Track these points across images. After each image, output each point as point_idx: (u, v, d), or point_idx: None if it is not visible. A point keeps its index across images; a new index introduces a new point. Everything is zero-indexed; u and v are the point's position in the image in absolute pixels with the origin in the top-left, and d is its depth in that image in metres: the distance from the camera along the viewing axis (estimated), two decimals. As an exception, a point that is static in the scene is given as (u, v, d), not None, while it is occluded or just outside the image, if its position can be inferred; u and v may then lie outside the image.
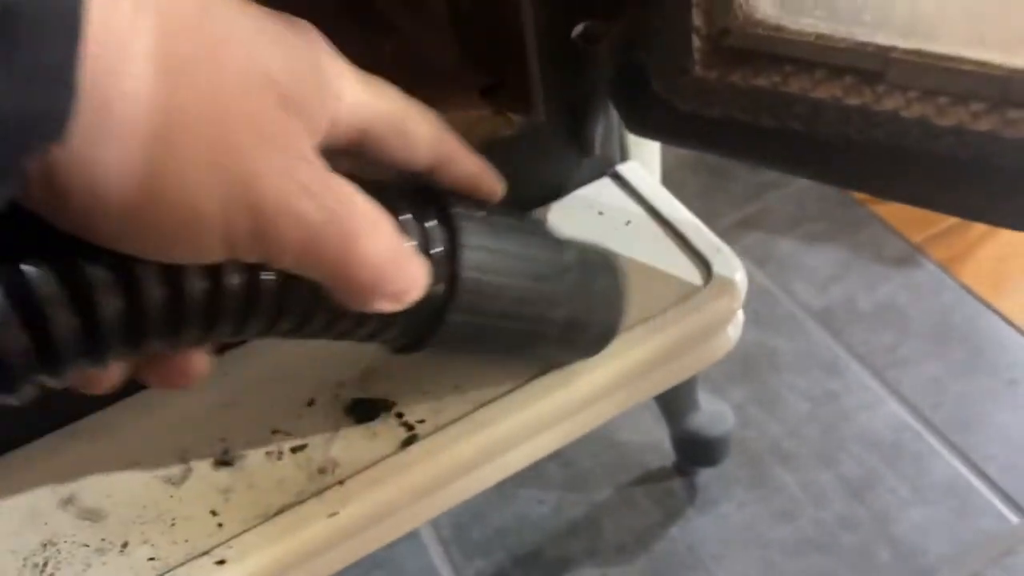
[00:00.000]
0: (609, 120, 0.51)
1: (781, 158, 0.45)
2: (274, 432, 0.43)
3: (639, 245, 0.49)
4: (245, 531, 0.40)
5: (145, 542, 0.40)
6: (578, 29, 0.45)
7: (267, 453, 0.42)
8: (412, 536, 0.78)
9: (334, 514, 0.40)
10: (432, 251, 0.32)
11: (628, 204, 0.51)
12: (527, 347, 0.39)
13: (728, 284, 0.46)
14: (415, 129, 0.31)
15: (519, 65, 0.45)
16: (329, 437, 0.43)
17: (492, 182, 0.36)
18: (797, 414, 0.84)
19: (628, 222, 0.50)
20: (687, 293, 0.46)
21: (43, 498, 0.42)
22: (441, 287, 0.33)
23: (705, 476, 0.80)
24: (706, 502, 0.79)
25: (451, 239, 0.32)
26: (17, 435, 0.43)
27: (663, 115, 0.46)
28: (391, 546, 0.67)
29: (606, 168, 0.53)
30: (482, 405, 0.43)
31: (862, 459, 0.80)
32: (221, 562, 0.39)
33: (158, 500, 0.41)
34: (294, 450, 0.42)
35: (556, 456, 0.84)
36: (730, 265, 0.46)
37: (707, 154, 0.49)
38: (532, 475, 0.83)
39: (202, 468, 0.43)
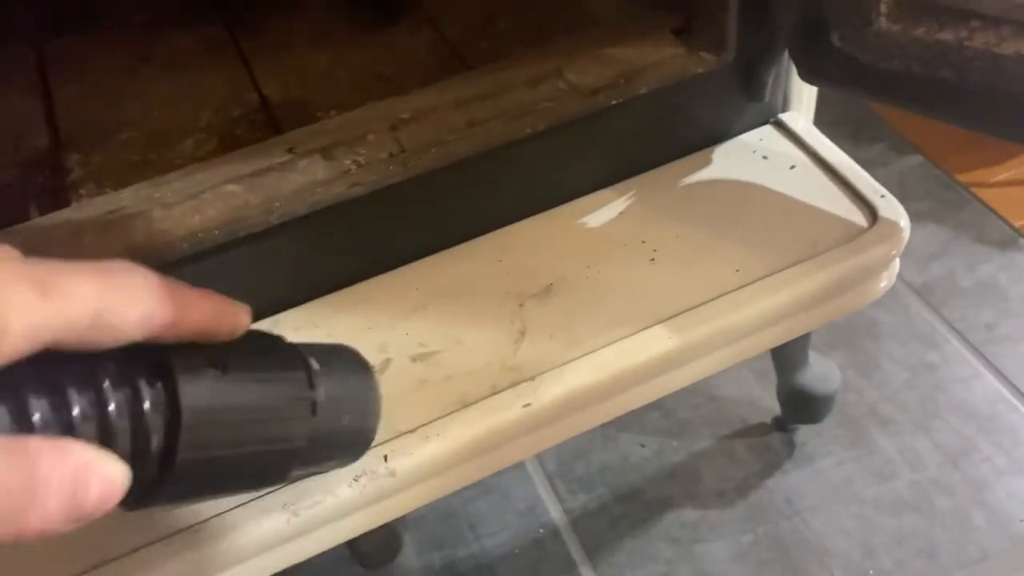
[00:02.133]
0: (779, 68, 0.53)
1: (955, 110, 0.47)
2: (465, 333, 0.47)
3: (804, 188, 0.52)
4: (446, 415, 0.44)
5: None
6: (771, -24, 0.48)
7: (459, 350, 0.46)
8: (518, 468, 0.82)
9: (528, 405, 0.44)
10: (145, 423, 0.28)
11: (791, 150, 0.54)
12: (271, 477, 0.36)
13: (893, 227, 0.49)
14: (120, 317, 0.26)
15: (712, 6, 0.47)
16: (517, 339, 0.47)
17: (232, 320, 0.31)
18: (895, 382, 0.87)
19: (792, 167, 0.53)
20: (853, 234, 0.49)
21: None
22: (154, 469, 0.29)
23: (803, 433, 0.83)
24: (804, 457, 0.82)
25: (169, 404, 0.29)
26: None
27: (838, 65, 0.48)
28: (499, 475, 0.71)
29: (768, 116, 0.56)
30: (658, 322, 0.46)
31: (958, 428, 0.83)
32: (425, 438, 0.43)
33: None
34: (485, 348, 0.46)
35: (656, 406, 0.87)
36: (895, 210, 0.49)
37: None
38: (633, 421, 0.86)
39: (401, 360, 0.47)
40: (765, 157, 0.54)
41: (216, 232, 0.42)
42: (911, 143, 1.09)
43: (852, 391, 0.87)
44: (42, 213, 0.62)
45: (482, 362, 0.46)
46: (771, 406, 0.83)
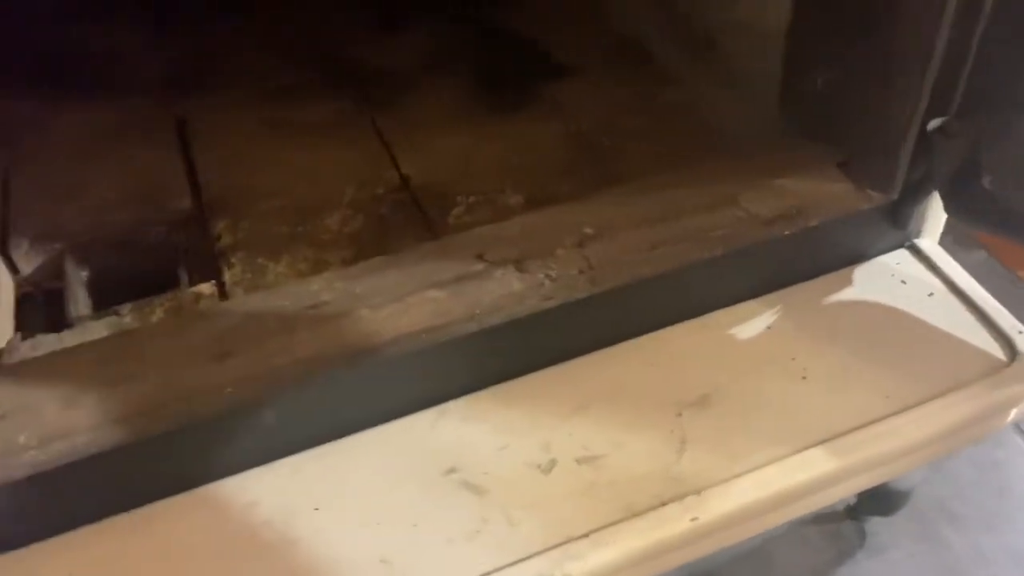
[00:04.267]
0: (924, 201, 0.56)
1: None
2: (626, 438, 0.49)
3: (943, 317, 0.55)
4: (616, 523, 0.46)
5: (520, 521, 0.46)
6: (935, 123, 0.51)
7: (622, 455, 0.48)
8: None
9: (695, 519, 0.46)
10: None
11: (928, 276, 0.57)
12: None
13: (1032, 365, 0.51)
14: None
15: (879, 147, 0.50)
16: (678, 449, 0.49)
17: None
18: (964, 478, 0.89)
19: (930, 294, 0.56)
20: (994, 368, 0.52)
21: (428, 468, 0.48)
22: None
23: (874, 523, 0.85)
24: (875, 548, 0.84)
25: None
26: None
27: (988, 207, 0.51)
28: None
29: (904, 240, 0.58)
30: (817, 444, 0.49)
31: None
32: (597, 544, 0.45)
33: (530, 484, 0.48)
34: (647, 455, 0.48)
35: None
36: (1035, 348, 0.52)
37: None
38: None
39: (566, 462, 0.49)
40: (903, 282, 0.57)
41: (423, 337, 0.44)
42: (974, 237, 1.12)
43: (922, 485, 0.89)
44: (191, 277, 0.64)
45: (645, 469, 0.48)
46: (844, 495, 0.85)
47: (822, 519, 0.87)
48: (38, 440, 0.41)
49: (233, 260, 0.63)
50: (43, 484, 0.43)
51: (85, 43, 0.82)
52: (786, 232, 0.49)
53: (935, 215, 0.59)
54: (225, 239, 0.65)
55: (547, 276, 0.47)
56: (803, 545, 0.86)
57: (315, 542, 0.46)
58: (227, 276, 0.62)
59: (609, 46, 0.80)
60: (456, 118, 0.74)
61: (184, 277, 0.64)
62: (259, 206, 0.67)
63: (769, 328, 0.55)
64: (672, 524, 0.46)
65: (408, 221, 0.65)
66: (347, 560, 0.46)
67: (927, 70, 0.46)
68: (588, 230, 0.49)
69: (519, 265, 0.47)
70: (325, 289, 0.48)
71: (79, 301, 0.64)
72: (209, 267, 0.64)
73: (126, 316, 0.60)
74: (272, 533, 0.47)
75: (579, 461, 0.49)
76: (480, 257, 0.48)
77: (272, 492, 0.49)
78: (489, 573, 0.45)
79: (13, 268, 0.66)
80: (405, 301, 0.45)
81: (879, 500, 0.82)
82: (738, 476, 0.48)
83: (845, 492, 0.51)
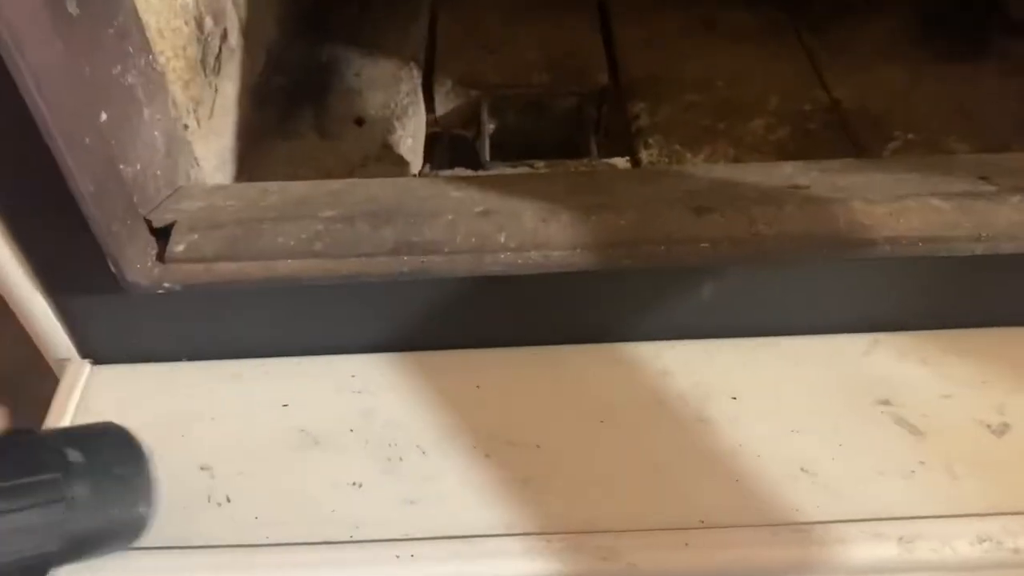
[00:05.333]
0: None
1: None
2: None
3: None
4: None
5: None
6: None
7: None
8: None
9: None
10: None
11: None
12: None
13: None
14: None
15: None
16: None
17: None
18: None
19: None
20: None
21: (859, 392, 0.44)
22: None
23: None
24: None
25: None
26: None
27: None
28: None
29: None
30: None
31: None
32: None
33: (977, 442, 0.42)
34: None
35: None
36: None
37: None
38: None
39: (1022, 429, 0.43)
40: None
41: (921, 245, 0.40)
42: None
43: None
44: (600, 151, 0.63)
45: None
46: None
47: None
48: (516, 244, 0.40)
49: (650, 141, 0.61)
50: (500, 289, 0.43)
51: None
52: None
53: None
54: (643, 120, 0.63)
55: (1072, 215, 0.40)
56: None
57: (731, 429, 0.44)
58: (643, 155, 0.60)
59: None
60: (893, 54, 0.68)
61: (595, 149, 0.63)
62: (680, 96, 0.65)
63: None
64: None
65: (838, 142, 0.60)
66: (766, 456, 0.42)
67: None
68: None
69: (1041, 194, 0.41)
70: (800, 174, 0.45)
71: (486, 150, 0.65)
72: (623, 144, 0.62)
73: (541, 168, 0.60)
74: (685, 407, 0.45)
75: (1039, 432, 0.43)
76: (985, 179, 0.43)
77: (687, 369, 0.46)
78: (926, 517, 0.40)
79: (430, 107, 0.67)
80: (903, 203, 0.41)
81: None
82: None
83: None
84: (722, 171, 0.46)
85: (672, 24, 0.72)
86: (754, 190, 0.43)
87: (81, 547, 0.37)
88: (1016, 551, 0.39)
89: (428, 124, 0.67)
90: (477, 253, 0.40)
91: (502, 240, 0.40)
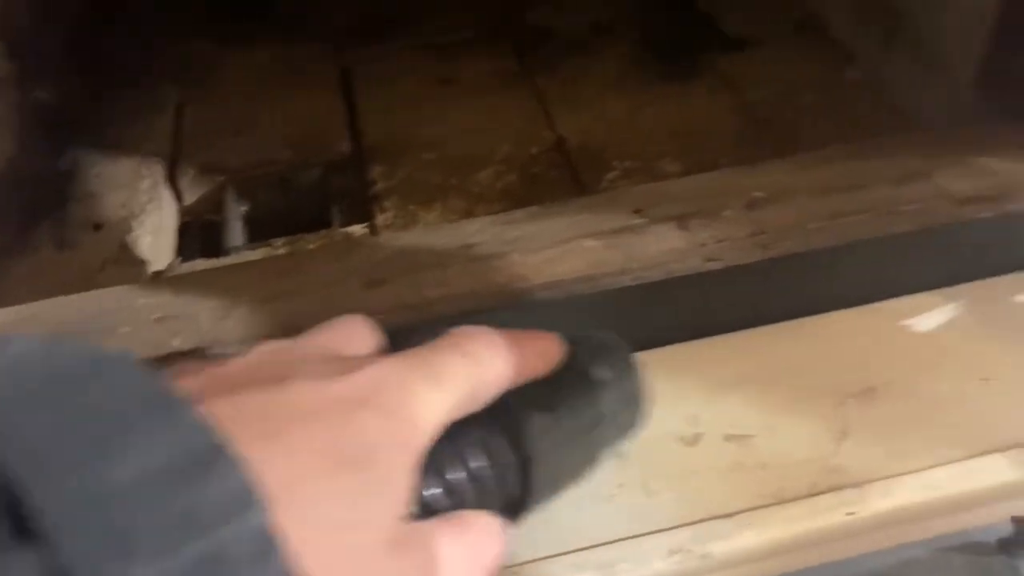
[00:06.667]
0: None
1: None
2: (780, 421, 0.46)
3: None
4: (764, 506, 0.43)
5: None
6: None
7: (774, 439, 0.45)
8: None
9: (851, 513, 0.42)
10: (507, 479, 0.31)
11: None
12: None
13: None
14: (488, 388, 0.29)
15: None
16: (838, 439, 0.45)
17: (554, 358, 0.33)
18: None
19: None
20: None
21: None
22: (517, 487, 0.32)
23: (1030, 563, 0.78)
24: (1030, 589, 0.77)
25: (518, 455, 0.31)
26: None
27: None
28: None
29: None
30: (995, 451, 0.44)
31: None
32: (743, 526, 0.42)
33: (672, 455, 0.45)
34: (802, 441, 0.45)
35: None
36: None
37: None
38: (843, 512, 0.83)
39: (713, 437, 0.46)
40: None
41: (575, 285, 0.43)
42: None
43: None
44: (344, 218, 0.65)
45: (800, 456, 0.45)
46: (1000, 526, 0.78)
47: (970, 549, 0.80)
48: (190, 345, 0.41)
49: (386, 204, 0.63)
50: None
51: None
52: (983, 214, 0.44)
53: None
54: (380, 184, 0.65)
55: (712, 236, 0.44)
56: (945, 573, 0.79)
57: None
58: (379, 219, 0.62)
59: (788, 21, 0.75)
60: (620, 83, 0.72)
61: (337, 218, 0.65)
62: (415, 156, 0.67)
63: (950, 322, 0.50)
64: (826, 515, 0.43)
65: (560, 181, 0.64)
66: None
67: None
68: (759, 194, 0.46)
69: (681, 223, 0.45)
70: (479, 231, 0.47)
71: (235, 233, 0.66)
72: (362, 210, 0.64)
73: (280, 248, 0.61)
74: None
75: (727, 439, 0.46)
76: (638, 212, 0.46)
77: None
78: (623, 539, 0.43)
79: (178, 197, 0.68)
80: (559, 248, 0.44)
81: (1040, 536, 0.75)
82: (903, 475, 0.44)
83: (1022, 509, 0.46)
84: (408, 237, 0.48)
85: (411, 86, 0.74)
86: (429, 254, 0.45)
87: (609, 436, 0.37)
88: (704, 556, 0.42)
89: (181, 214, 0.68)
90: (151, 363, 0.41)
91: (176, 344, 0.41)
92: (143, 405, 0.18)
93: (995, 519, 0.46)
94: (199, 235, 0.67)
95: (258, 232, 0.66)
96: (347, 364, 0.25)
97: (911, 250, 0.48)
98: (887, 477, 0.44)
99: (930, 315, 0.50)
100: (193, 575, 0.17)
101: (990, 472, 0.44)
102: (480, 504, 0.30)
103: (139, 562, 0.16)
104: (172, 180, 0.68)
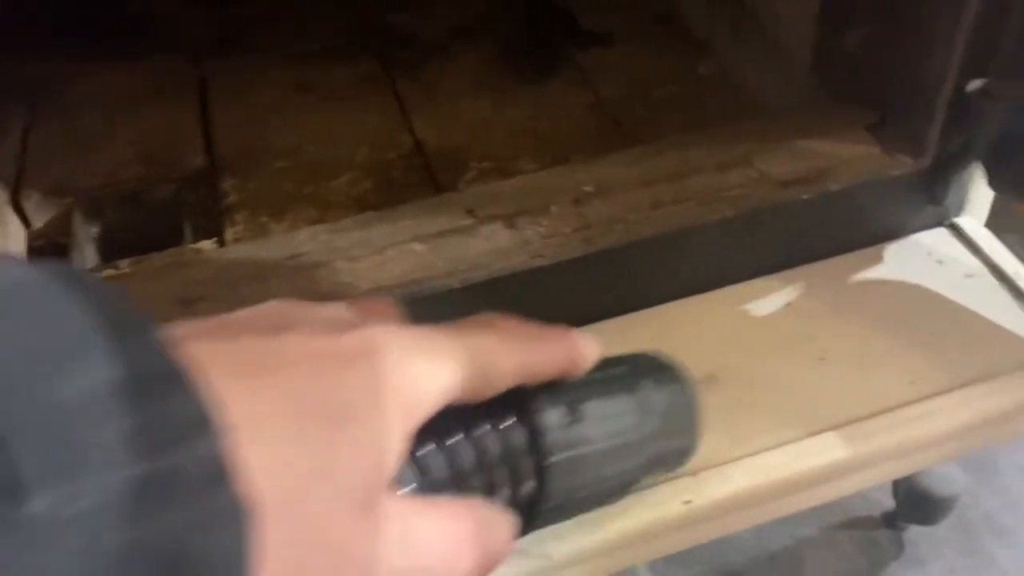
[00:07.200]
0: (963, 174, 0.51)
1: None
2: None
3: (982, 300, 0.50)
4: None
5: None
6: (976, 84, 0.46)
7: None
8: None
9: (688, 502, 0.43)
10: (520, 472, 0.31)
11: (967, 257, 0.52)
12: (621, 496, 0.40)
13: (1079, 355, 0.46)
14: (498, 373, 0.28)
15: (911, 108, 0.46)
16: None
17: (583, 358, 0.32)
18: (1015, 489, 0.83)
19: (969, 275, 0.51)
20: (1035, 356, 0.47)
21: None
22: (523, 513, 0.31)
23: (913, 533, 0.80)
24: (913, 559, 0.79)
25: (535, 443, 0.31)
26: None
27: (1037, 179, 0.47)
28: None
29: (943, 218, 0.54)
30: (830, 428, 0.45)
31: (1081, 548, 0.79)
32: (579, 524, 0.42)
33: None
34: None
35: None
36: (1082, 336, 0.47)
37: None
38: (735, 497, 0.84)
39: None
40: (940, 262, 0.52)
41: (398, 290, 0.42)
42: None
43: (968, 494, 0.83)
44: (195, 234, 0.63)
45: (640, 447, 0.45)
46: (881, 499, 0.80)
47: (856, 524, 0.82)
48: None
49: (237, 218, 0.62)
50: None
51: (121, 4, 0.82)
52: (804, 196, 0.45)
53: (979, 191, 0.54)
54: (231, 197, 0.64)
55: (538, 233, 0.44)
56: (834, 550, 0.81)
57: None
58: (229, 233, 0.60)
59: (643, 16, 0.76)
60: (480, 85, 0.72)
61: (188, 234, 0.63)
62: (269, 166, 0.66)
63: (788, 305, 0.51)
64: (662, 507, 0.43)
65: (418, 185, 0.63)
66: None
67: (962, 21, 0.41)
68: (587, 188, 0.46)
69: (509, 222, 0.44)
70: (309, 241, 0.46)
71: (86, 255, 0.64)
72: (213, 224, 0.62)
73: (125, 269, 0.59)
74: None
75: (569, 435, 0.46)
76: (470, 213, 0.46)
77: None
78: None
79: (25, 221, 0.65)
80: (385, 254, 0.43)
81: (919, 507, 0.77)
82: (740, 459, 0.44)
83: (862, 483, 0.46)
84: (236, 252, 0.47)
85: (268, 95, 0.73)
86: (253, 267, 0.44)
87: (652, 466, 0.38)
88: (543, 556, 0.42)
89: (30, 238, 0.65)
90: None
91: None
92: (101, 323, 0.18)
93: (837, 495, 0.47)
94: (49, 259, 0.65)
95: (110, 252, 0.64)
96: (349, 325, 0.24)
97: (743, 236, 0.49)
98: (724, 463, 0.44)
99: (768, 299, 0.51)
100: (144, 492, 0.17)
101: (825, 450, 0.44)
102: (489, 492, 0.29)
103: (89, 475, 0.16)
104: (16, 204, 0.65)
